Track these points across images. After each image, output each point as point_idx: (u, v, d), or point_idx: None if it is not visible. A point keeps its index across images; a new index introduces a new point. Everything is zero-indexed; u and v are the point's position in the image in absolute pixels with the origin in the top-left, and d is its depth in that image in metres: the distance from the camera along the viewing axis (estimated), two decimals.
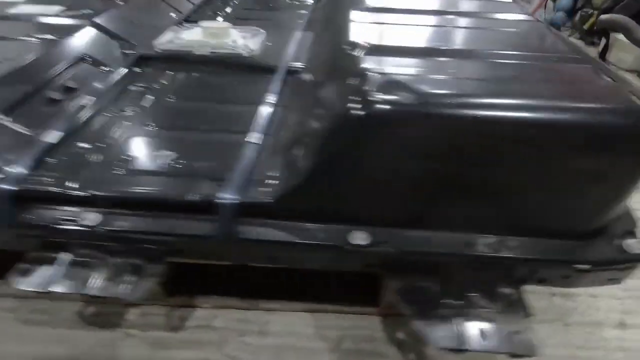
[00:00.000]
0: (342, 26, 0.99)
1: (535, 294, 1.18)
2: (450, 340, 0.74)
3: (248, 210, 0.79)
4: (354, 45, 0.87)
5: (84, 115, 1.01)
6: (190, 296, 1.14)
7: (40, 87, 1.02)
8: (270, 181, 0.83)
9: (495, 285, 0.80)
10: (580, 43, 2.99)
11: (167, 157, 0.91)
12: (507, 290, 0.81)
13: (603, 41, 2.75)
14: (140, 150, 0.94)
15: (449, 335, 0.74)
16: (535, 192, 0.73)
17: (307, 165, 0.74)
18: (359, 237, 0.79)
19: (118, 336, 1.06)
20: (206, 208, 0.79)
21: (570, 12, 3.21)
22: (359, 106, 0.65)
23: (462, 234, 0.79)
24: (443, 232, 0.80)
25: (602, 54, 2.72)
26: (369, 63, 0.78)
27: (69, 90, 1.08)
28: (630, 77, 2.47)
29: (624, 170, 0.68)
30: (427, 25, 0.97)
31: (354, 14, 1.04)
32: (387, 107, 0.64)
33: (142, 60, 1.27)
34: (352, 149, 0.69)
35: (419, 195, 0.75)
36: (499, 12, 1.05)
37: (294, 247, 0.80)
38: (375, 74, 0.71)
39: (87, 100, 1.06)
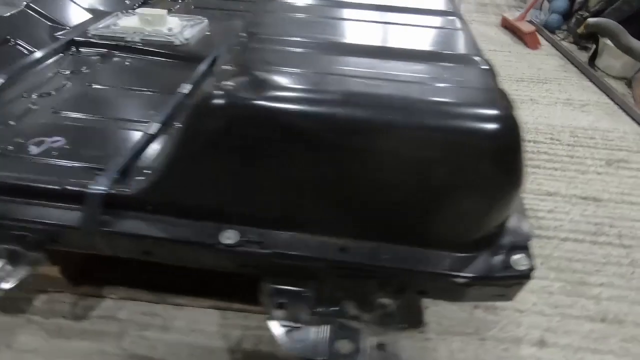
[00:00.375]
0: (252, 17, 0.95)
1: (457, 305, 1.14)
2: (305, 348, 0.70)
3: (116, 202, 0.76)
4: (251, 36, 0.83)
5: None
6: (99, 286, 1.13)
7: None
8: (149, 173, 0.80)
9: (369, 294, 0.76)
10: (573, 47, 2.88)
11: (52, 142, 0.89)
12: (384, 301, 0.77)
13: (594, 46, 2.64)
14: (28, 134, 0.92)
15: (306, 343, 0.71)
16: (402, 199, 0.68)
17: (168, 157, 0.71)
18: (228, 236, 0.76)
19: (19, 322, 1.05)
20: (77, 197, 0.77)
21: (566, 14, 3.08)
22: (207, 98, 0.62)
23: (337, 239, 0.75)
24: (317, 236, 0.76)
25: (591, 60, 2.61)
26: (249, 54, 0.75)
27: None
28: (616, 85, 2.36)
29: (488, 180, 0.63)
30: (335, 19, 0.92)
31: (271, 5, 1.00)
32: (231, 100, 0.60)
33: (72, 45, 1.25)
34: (203, 143, 0.65)
35: (285, 195, 0.71)
36: (414, 4, 0.99)
37: (164, 242, 0.77)
38: (240, 67, 0.67)
39: None
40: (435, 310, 1.13)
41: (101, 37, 1.29)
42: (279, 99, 0.61)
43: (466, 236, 0.72)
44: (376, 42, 0.82)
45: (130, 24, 1.32)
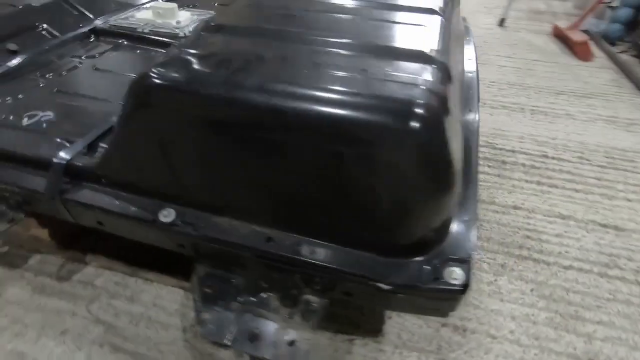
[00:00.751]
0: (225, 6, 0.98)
1: (425, 320, 1.07)
2: (218, 333, 0.71)
3: (78, 173, 0.83)
4: (206, 25, 0.86)
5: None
6: (84, 253, 1.22)
7: None
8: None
9: (294, 288, 0.75)
10: (634, 61, 2.58)
11: (42, 116, 0.98)
12: (309, 298, 0.75)
13: None
14: (27, 108, 1.03)
15: (218, 326, 0.71)
16: (319, 193, 0.66)
17: (113, 134, 0.76)
18: (166, 215, 0.79)
19: (14, 276, 1.17)
20: (46, 165, 0.85)
21: (630, 24, 2.77)
22: (136, 80, 0.65)
23: (266, 229, 0.75)
24: (248, 224, 0.76)
25: None
26: (199, 40, 0.78)
27: (9, 52, 1.22)
28: None
29: (401, 181, 0.59)
30: (316, 12, 0.91)
31: None
32: (160, 82, 0.62)
33: (92, 33, 1.38)
34: (134, 122, 0.69)
35: (212, 179, 0.72)
36: (399, 2, 0.95)
37: (113, 215, 0.82)
38: (182, 51, 0.70)
39: (16, 61, 1.18)
40: (398, 321, 1.07)
41: (118, 27, 1.40)
42: (197, 83, 0.62)
43: (394, 240, 0.68)
44: (338, 35, 0.81)
45: (145, 16, 1.42)
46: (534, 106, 2.06)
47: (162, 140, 0.70)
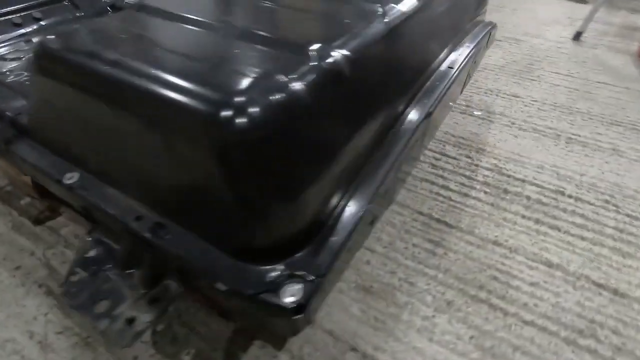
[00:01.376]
0: None
1: (335, 338, 1.00)
2: (74, 295, 0.74)
3: (23, 129, 0.93)
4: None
5: (14, 36, 1.30)
6: (61, 203, 1.36)
7: (8, 13, 1.35)
8: None
9: (154, 271, 0.75)
10: None
11: (23, 76, 1.11)
12: (168, 283, 0.75)
13: None
14: (21, 69, 1.17)
15: (80, 291, 0.75)
16: (171, 178, 0.64)
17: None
18: (70, 177, 0.84)
19: (3, 211, 1.36)
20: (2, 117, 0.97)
21: None
22: (35, 46, 0.71)
23: (141, 206, 0.76)
24: (130, 199, 0.78)
25: None
26: (115, 15, 0.82)
27: (34, 19, 1.40)
28: None
29: (213, 178, 0.54)
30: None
31: None
32: (43, 49, 0.67)
33: (109, 9, 1.52)
34: (36, 87, 0.74)
35: (99, 150, 0.75)
36: None
37: (37, 170, 0.90)
38: (84, 22, 0.74)
39: (37, 26, 1.35)
40: (308, 333, 1.02)
41: (131, 4, 1.52)
42: (71, 53, 0.66)
43: (238, 242, 0.64)
44: (239, 22, 0.78)
45: None
46: (573, 134, 1.77)
47: (54, 106, 0.75)
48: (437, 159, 1.61)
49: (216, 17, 0.79)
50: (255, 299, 0.62)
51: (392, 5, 0.84)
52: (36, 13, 1.41)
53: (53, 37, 0.70)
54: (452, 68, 1.09)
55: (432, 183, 1.49)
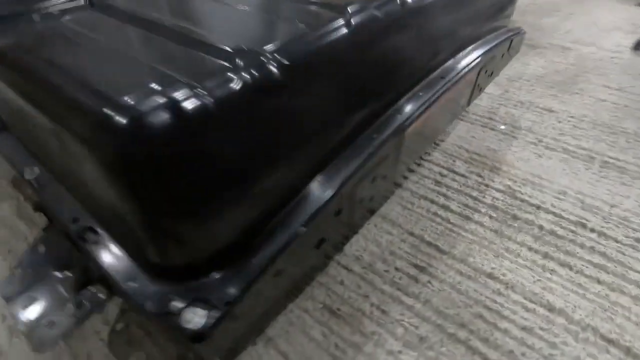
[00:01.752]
0: None
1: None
2: (9, 287, 0.75)
3: (2, 122, 0.97)
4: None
5: None
6: None
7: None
8: None
9: (85, 275, 0.74)
10: None
11: None
12: (96, 289, 0.74)
13: None
14: None
15: (16, 285, 0.76)
16: (85, 183, 0.62)
17: None
18: (29, 173, 0.86)
19: (13, 195, 1.45)
20: None
21: None
22: None
23: (80, 206, 0.75)
24: (71, 196, 0.78)
25: None
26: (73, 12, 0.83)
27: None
28: None
29: (108, 186, 0.50)
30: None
31: None
32: None
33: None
34: None
35: (42, 145, 0.76)
36: None
37: (8, 164, 0.94)
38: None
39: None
40: (256, 355, 0.96)
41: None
42: (12, 48, 0.67)
43: (147, 256, 0.61)
44: (172, 20, 0.74)
45: None
46: (611, 158, 1.55)
47: (7, 103, 0.76)
48: (442, 175, 1.47)
49: (150, 15, 0.76)
50: (158, 319, 0.58)
51: (355, 3, 0.75)
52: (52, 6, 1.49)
53: None
54: (443, 78, 0.97)
55: (432, 202, 1.36)
